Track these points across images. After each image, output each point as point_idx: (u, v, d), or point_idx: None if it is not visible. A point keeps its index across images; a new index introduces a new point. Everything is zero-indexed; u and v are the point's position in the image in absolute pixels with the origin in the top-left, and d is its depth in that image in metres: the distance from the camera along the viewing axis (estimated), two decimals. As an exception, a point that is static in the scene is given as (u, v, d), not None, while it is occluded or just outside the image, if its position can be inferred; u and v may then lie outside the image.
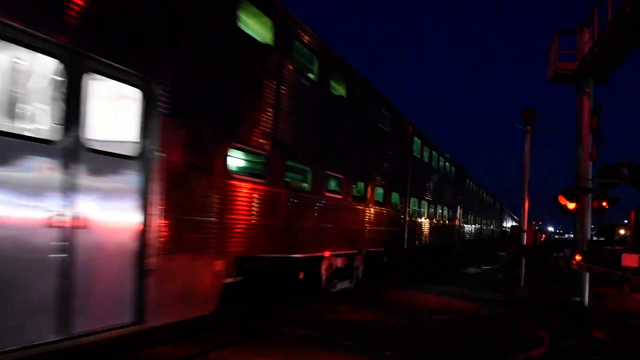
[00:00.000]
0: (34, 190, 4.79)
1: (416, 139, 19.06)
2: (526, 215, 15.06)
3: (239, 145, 7.77)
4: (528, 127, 14.92)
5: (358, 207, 12.97)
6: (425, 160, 20.91)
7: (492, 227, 53.33)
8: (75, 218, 5.18)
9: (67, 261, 5.12)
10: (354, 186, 12.66)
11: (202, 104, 6.92)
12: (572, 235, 16.54)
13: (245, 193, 7.93)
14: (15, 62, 5.41)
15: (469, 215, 34.48)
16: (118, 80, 5.72)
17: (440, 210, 23.89)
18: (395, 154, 16.60)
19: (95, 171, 5.43)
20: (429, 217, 21.53)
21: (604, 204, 13.08)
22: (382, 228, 15.05)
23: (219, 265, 7.33)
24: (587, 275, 12.64)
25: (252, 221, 8.15)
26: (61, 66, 5.05)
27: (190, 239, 6.70)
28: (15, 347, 4.69)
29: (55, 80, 5.09)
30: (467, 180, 33.74)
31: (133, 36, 5.82)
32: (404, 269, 17.97)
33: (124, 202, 5.81)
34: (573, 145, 13.39)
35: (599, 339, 9.62)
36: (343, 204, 11.97)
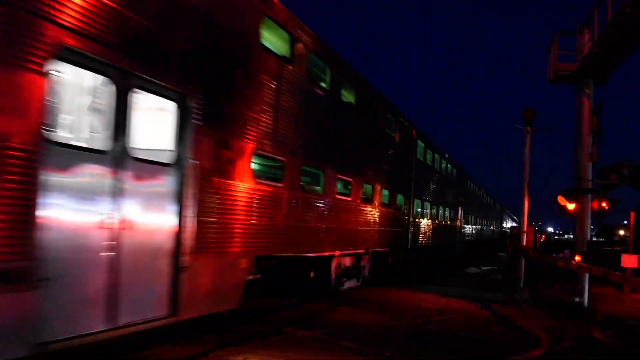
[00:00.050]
0: (88, 195, 5.37)
1: (420, 143, 19.65)
2: (526, 216, 15.05)
3: (261, 152, 8.35)
4: (528, 128, 14.83)
5: (366, 208, 13.55)
6: (428, 162, 21.49)
7: (492, 227, 53.94)
8: (121, 220, 5.76)
9: (114, 259, 5.70)
10: (362, 189, 13.24)
11: (229, 115, 7.49)
12: (571, 236, 16.45)
13: (266, 196, 8.52)
14: (72, 80, 5.99)
15: (470, 216, 35.08)
16: (157, 95, 6.30)
17: (442, 212, 24.48)
18: (400, 157, 17.20)
19: (138, 177, 6.00)
20: (432, 218, 22.12)
21: (604, 204, 13.03)
22: (388, 229, 15.63)
23: (242, 263, 7.92)
24: (587, 275, 12.59)
25: (271, 222, 8.74)
26: (112, 84, 5.63)
27: (219, 239, 7.28)
28: (70, 336, 5.26)
29: (107, 96, 5.67)
30: (468, 182, 34.35)
31: (171, 56, 6.39)
32: (408, 269, 18.55)
33: (162, 206, 6.40)
34: (573, 146, 13.37)
35: (598, 340, 9.65)
36: (352, 206, 12.55)
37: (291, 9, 9.08)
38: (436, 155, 23.14)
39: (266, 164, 8.90)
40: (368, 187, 13.89)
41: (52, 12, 4.77)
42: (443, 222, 24.93)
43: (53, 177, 4.88)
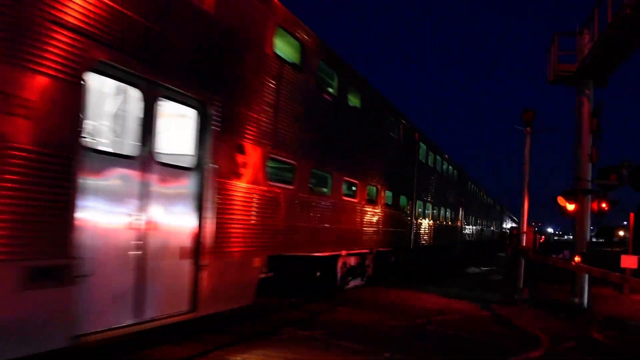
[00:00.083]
0: (119, 198, 5.76)
1: (422, 145, 20.05)
2: (525, 217, 15.00)
3: (273, 155, 8.73)
4: (528, 129, 14.75)
5: (370, 209, 13.94)
6: (430, 164, 21.89)
7: (492, 228, 54.31)
8: (147, 221, 6.15)
9: (141, 258, 6.09)
10: (367, 190, 13.62)
11: (244, 121, 7.88)
12: (571, 237, 16.26)
13: (278, 198, 8.91)
14: (105, 90, 6.39)
15: (470, 217, 35.47)
16: (180, 103, 6.69)
17: (444, 212, 24.89)
18: (403, 159, 17.60)
19: (163, 181, 6.39)
20: (433, 218, 22.53)
21: (604, 205, 12.98)
22: (391, 229, 16.02)
23: (256, 262, 8.31)
24: (586, 276, 12.57)
25: (283, 223, 9.13)
26: (140, 93, 6.02)
27: (235, 239, 7.67)
28: (102, 329, 5.64)
29: (135, 105, 6.07)
30: (469, 183, 34.74)
31: (193, 67, 6.78)
32: (410, 268, 18.94)
33: (183, 208, 6.79)
34: (573, 146, 13.33)
35: (598, 341, 9.66)
36: (358, 207, 12.94)
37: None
38: (438, 156, 23.54)
39: (278, 167, 9.27)
40: (372, 189, 14.27)
41: (89, 28, 5.16)
42: (444, 223, 25.33)
43: (88, 182, 5.27)
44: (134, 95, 6.09)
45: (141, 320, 6.15)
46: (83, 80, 5.11)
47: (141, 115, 6.07)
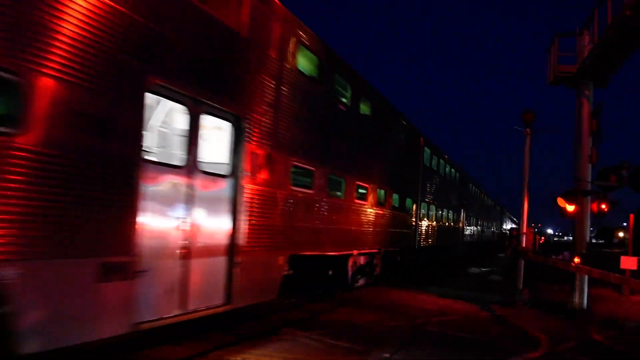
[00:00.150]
0: (169, 203, 6.54)
1: (426, 149, 20.85)
2: (525, 218, 14.98)
3: (296, 163, 9.51)
4: (527, 130, 14.71)
5: (379, 212, 14.72)
6: (434, 167, 22.68)
7: (492, 229, 55.11)
8: (192, 223, 6.93)
9: (186, 256, 6.87)
10: (376, 193, 14.40)
11: (272, 132, 8.65)
12: (571, 238, 15.99)
13: (299, 201, 9.69)
14: (159, 108, 7.17)
15: (471, 218, 36.28)
16: (218, 117, 7.47)
17: (446, 214, 25.71)
18: (409, 163, 18.41)
19: (204, 187, 7.17)
20: (436, 220, 23.33)
21: (603, 206, 12.91)
22: (397, 230, 16.81)
23: (280, 260, 9.09)
24: (586, 277, 12.56)
25: (303, 224, 9.91)
26: (187, 110, 6.80)
27: (264, 239, 8.45)
28: (155, 318, 6.41)
29: (183, 121, 6.85)
30: (470, 185, 35.55)
31: (230, 85, 7.57)
32: (415, 268, 19.72)
33: (221, 211, 7.57)
34: (573, 147, 13.30)
35: (597, 342, 9.68)
36: (368, 209, 13.72)
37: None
38: (441, 160, 24.34)
39: (299, 173, 10.02)
40: (381, 192, 15.05)
41: (149, 56, 5.95)
42: (447, 224, 26.15)
43: (146, 189, 6.04)
44: (181, 112, 6.88)
45: (185, 311, 6.92)
46: (144, 101, 5.90)
47: (187, 129, 6.86)
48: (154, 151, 7.02)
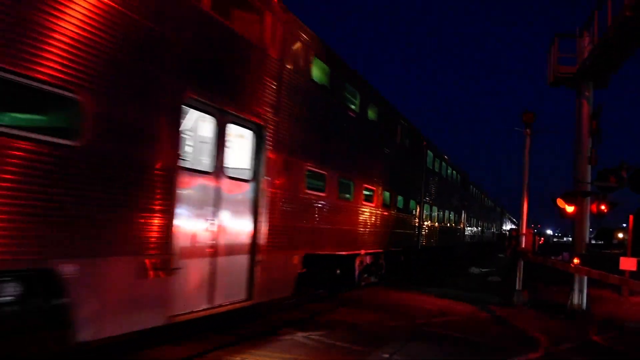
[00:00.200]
0: (199, 206, 7.12)
1: (429, 152, 21.46)
2: (525, 218, 15.00)
3: (310, 168, 10.09)
4: (527, 131, 14.71)
5: (385, 213, 15.30)
6: (436, 170, 23.28)
7: (492, 230, 55.71)
8: (219, 225, 7.50)
9: (213, 255, 7.44)
10: (382, 195, 14.98)
11: (290, 140, 9.23)
12: (570, 239, 15.97)
13: (313, 203, 10.28)
14: (190, 119, 7.75)
15: (472, 219, 36.88)
16: (241, 126, 8.05)
17: (448, 215, 26.31)
18: (413, 166, 19.01)
19: (229, 191, 7.75)
20: (438, 221, 23.93)
21: (603, 207, 12.92)
22: (401, 231, 17.40)
23: (296, 259, 9.67)
24: (585, 278, 12.55)
25: (316, 225, 10.49)
26: (215, 120, 7.38)
27: (282, 239, 9.03)
28: (186, 312, 6.98)
29: (210, 130, 7.44)
30: (471, 186, 36.15)
31: (253, 96, 8.15)
32: (417, 267, 20.30)
33: (243, 213, 8.15)
34: (573, 147, 13.29)
35: (596, 342, 9.70)
36: (374, 211, 14.30)
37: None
38: (443, 162, 24.95)
39: (313, 177, 10.59)
40: (387, 194, 15.62)
41: (186, 72, 6.54)
42: (448, 225, 26.75)
43: (180, 194, 6.62)
44: (210, 122, 7.46)
45: (212, 306, 7.50)
46: (181, 114, 6.48)
47: (214, 137, 7.44)
48: (188, 159, 7.59)
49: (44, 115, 5.17)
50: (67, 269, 5.08)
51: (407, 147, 18.05)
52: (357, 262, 13.97)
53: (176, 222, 6.50)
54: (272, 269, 8.77)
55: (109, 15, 5.42)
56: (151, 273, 6.13)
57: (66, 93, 5.00)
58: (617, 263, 13.24)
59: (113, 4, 5.47)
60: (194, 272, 7.07)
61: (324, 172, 10.76)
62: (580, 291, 12.74)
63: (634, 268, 13.08)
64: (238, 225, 8.03)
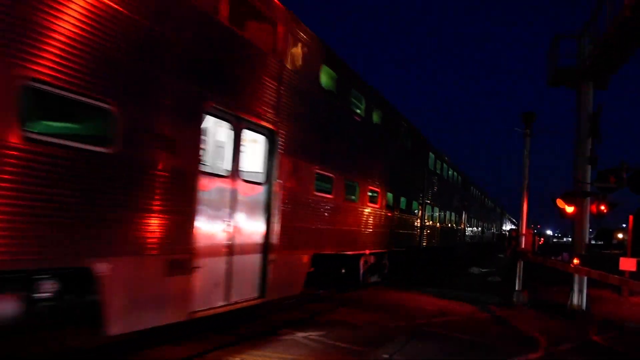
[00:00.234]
0: (217, 208, 7.51)
1: (431, 154, 21.88)
2: (524, 219, 15.00)
3: (318, 171, 10.48)
4: (527, 131, 14.69)
5: (388, 214, 15.70)
6: (438, 171, 23.69)
7: (492, 230, 56.13)
8: (234, 226, 7.90)
9: (229, 254, 7.83)
10: (386, 197, 15.37)
11: (300, 144, 9.62)
12: (570, 239, 15.98)
13: (321, 205, 10.67)
14: (208, 125, 8.15)
15: (473, 220, 37.29)
16: (255, 132, 8.44)
17: (449, 216, 26.73)
18: (416, 168, 19.42)
19: (244, 193, 8.14)
20: (440, 221, 24.35)
21: (602, 207, 12.92)
22: (404, 231, 17.79)
23: (305, 259, 10.06)
24: (585, 278, 12.55)
25: (324, 226, 10.88)
26: (231, 127, 7.78)
27: (293, 239, 9.42)
28: (205, 308, 7.36)
29: (227, 136, 7.83)
30: (471, 187, 36.57)
31: (266, 104, 8.53)
32: (420, 267, 20.70)
33: (257, 215, 8.54)
34: (573, 147, 13.31)
35: (596, 343, 9.72)
36: (378, 212, 14.69)
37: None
38: (444, 164, 25.36)
39: (321, 179, 10.98)
40: (390, 195, 16.02)
41: (208, 85, 6.96)
42: (449, 225, 27.16)
43: (200, 196, 7.01)
44: (227, 128, 7.86)
45: (228, 303, 7.89)
46: (202, 121, 6.88)
47: (231, 142, 7.84)
48: (207, 163, 7.99)
49: (83, 125, 5.57)
50: (101, 267, 5.48)
51: (409, 148, 18.46)
52: (362, 262, 14.36)
53: (196, 223, 6.89)
54: (284, 268, 9.16)
55: (143, 35, 5.87)
56: (174, 271, 6.52)
57: (102, 104, 5.40)
58: (617, 263, 13.28)
59: (147, 24, 5.90)
60: (212, 270, 7.46)
61: (331, 175, 11.15)
62: (580, 291, 12.80)
63: (633, 268, 13.13)
64: (252, 226, 8.42)
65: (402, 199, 17.42)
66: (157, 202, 6.18)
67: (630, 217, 17.69)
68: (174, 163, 6.38)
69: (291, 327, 8.88)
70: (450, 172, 27.26)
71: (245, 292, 8.32)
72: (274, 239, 8.81)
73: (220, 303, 7.73)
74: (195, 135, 6.78)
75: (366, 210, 13.57)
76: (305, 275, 10.14)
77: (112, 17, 5.48)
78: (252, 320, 9.07)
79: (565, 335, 10.14)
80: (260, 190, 8.64)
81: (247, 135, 8.32)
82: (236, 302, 8.06)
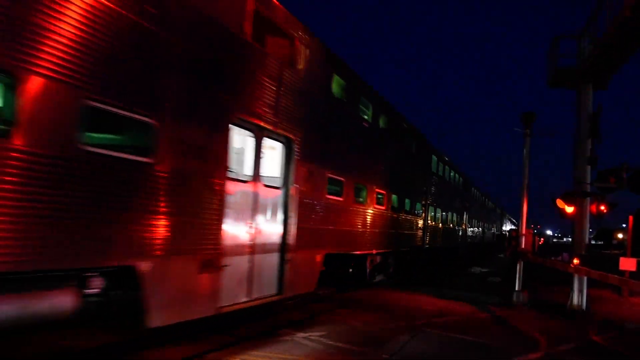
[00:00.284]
0: (241, 210, 8.10)
1: (434, 157, 22.49)
2: (524, 219, 15.02)
3: (330, 175, 11.08)
4: (527, 131, 14.68)
5: (394, 215, 16.29)
6: (440, 174, 24.31)
7: (493, 230, 56.76)
8: (256, 227, 8.49)
9: (251, 253, 8.43)
10: (391, 199, 15.97)
11: (314, 150, 10.22)
12: (570, 239, 15.82)
13: (333, 207, 11.26)
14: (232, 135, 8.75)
15: (473, 220, 37.90)
16: (274, 140, 9.03)
17: (451, 216, 27.35)
18: (419, 170, 20.05)
19: (264, 197, 8.74)
20: (442, 222, 24.95)
21: (602, 207, 12.92)
22: (409, 232, 18.39)
23: (318, 258, 10.65)
24: (585, 278, 12.54)
25: (335, 227, 11.48)
26: (253, 136, 8.38)
27: (308, 240, 10.01)
28: (231, 304, 7.95)
29: (249, 144, 8.43)
30: (472, 188, 37.18)
31: (285, 114, 9.13)
32: (423, 266, 21.29)
33: (275, 217, 9.14)
34: (573, 148, 13.33)
35: (596, 343, 9.73)
36: (385, 213, 15.29)
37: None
38: (446, 166, 25.98)
39: (332, 183, 11.57)
40: (395, 197, 16.62)
41: (235, 97, 7.57)
42: (451, 226, 27.78)
43: (227, 200, 7.60)
44: (249, 136, 8.46)
45: (250, 299, 8.48)
46: (229, 131, 7.48)
47: (253, 151, 8.43)
48: (233, 170, 8.59)
49: (129, 138, 6.17)
50: (144, 266, 6.07)
51: (413, 151, 19.07)
52: (369, 261, 14.93)
53: (224, 224, 7.49)
54: (299, 266, 9.75)
55: (184, 55, 6.57)
56: (205, 270, 7.12)
57: (145, 118, 6.00)
58: (617, 263, 13.29)
59: (189, 47, 6.60)
60: (237, 268, 8.05)
61: (342, 179, 11.74)
62: (580, 291, 12.81)
63: (633, 268, 13.13)
64: (271, 227, 9.02)
65: (407, 201, 18.01)
66: (192, 206, 6.78)
67: (630, 217, 17.79)
68: (205, 170, 6.99)
69: (291, 328, 8.95)
70: (451, 174, 27.87)
71: (265, 289, 8.91)
72: (291, 239, 9.40)
73: (244, 299, 8.33)
74: (223, 144, 7.38)
75: (373, 211, 14.16)
76: (318, 273, 10.72)
77: (157, 43, 6.12)
78: (252, 320, 9.12)
79: (565, 335, 10.20)
80: (279, 193, 9.24)
81: (267, 142, 8.91)
82: (257, 299, 8.65)
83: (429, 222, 21.97)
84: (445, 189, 25.76)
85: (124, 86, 5.71)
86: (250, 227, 8.35)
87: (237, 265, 8.05)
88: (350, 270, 14.48)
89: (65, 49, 5.05)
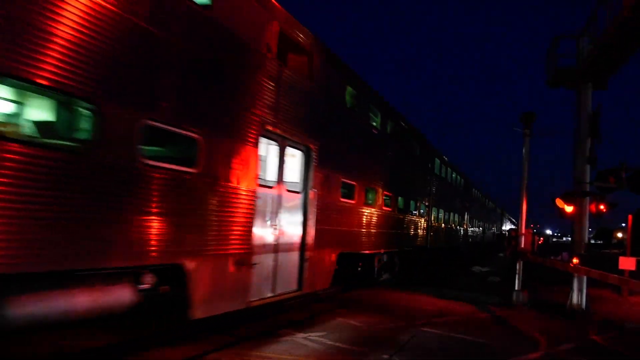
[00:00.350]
0: (268, 213, 8.91)
1: (436, 159, 23.32)
2: (524, 218, 15.07)
3: (344, 179, 11.89)
4: (526, 131, 14.71)
5: (400, 216, 17.10)
6: (443, 175, 25.14)
7: (493, 230, 57.62)
8: (279, 229, 9.29)
9: (275, 252, 9.22)
10: (398, 200, 16.77)
11: (330, 157, 11.02)
12: (569, 239, 15.63)
13: (346, 209, 12.07)
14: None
15: (474, 220, 38.74)
16: (294, 148, 9.83)
17: (453, 217, 28.19)
18: (423, 172, 20.88)
19: (287, 201, 9.54)
20: (445, 222, 25.79)
21: (602, 207, 12.92)
22: (413, 232, 19.20)
23: (333, 257, 11.45)
24: (585, 278, 12.56)
25: (348, 228, 12.28)
26: (277, 145, 9.18)
27: (324, 240, 10.81)
28: (258, 298, 8.73)
29: (274, 153, 9.24)
30: (473, 189, 38.02)
31: (305, 124, 9.93)
32: (427, 266, 22.09)
33: (296, 219, 9.93)
34: (572, 148, 13.33)
35: (596, 342, 9.75)
36: (392, 214, 16.09)
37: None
38: (448, 168, 26.83)
39: (345, 187, 12.37)
40: (401, 199, 17.43)
41: (267, 111, 8.40)
42: (453, 226, 28.62)
43: (256, 203, 8.40)
44: (274, 145, 9.27)
45: (275, 294, 9.28)
46: (259, 142, 8.30)
47: (277, 158, 9.24)
48: (260, 175, 9.40)
49: (178, 151, 6.96)
50: (190, 264, 6.87)
51: (418, 155, 19.90)
52: (376, 260, 15.72)
53: (254, 226, 8.28)
54: (317, 264, 10.54)
55: (224, 75, 7.39)
56: (239, 267, 7.91)
57: (190, 133, 6.81)
58: (617, 263, 13.33)
59: (228, 71, 7.45)
60: (264, 266, 8.85)
61: (353, 183, 12.55)
62: (580, 291, 12.77)
63: (633, 268, 13.16)
64: (292, 228, 9.82)
65: (412, 202, 18.83)
66: (229, 210, 7.58)
67: (630, 217, 17.93)
68: (240, 177, 7.79)
69: (291, 328, 9.00)
70: (453, 175, 28.72)
71: (287, 285, 9.70)
72: (309, 239, 10.20)
73: (269, 294, 9.12)
74: (254, 154, 8.18)
75: (381, 213, 14.96)
76: (333, 271, 11.52)
77: (209, 67, 7.01)
78: (252, 320, 9.18)
79: (565, 335, 10.24)
80: (299, 197, 10.04)
81: (289, 151, 9.71)
82: (280, 294, 9.45)
83: (432, 222, 22.78)
84: (447, 189, 26.59)
85: (175, 105, 6.51)
86: (275, 228, 9.15)
87: (264, 263, 8.84)
88: (359, 269, 15.26)
89: (135, 80, 5.89)
